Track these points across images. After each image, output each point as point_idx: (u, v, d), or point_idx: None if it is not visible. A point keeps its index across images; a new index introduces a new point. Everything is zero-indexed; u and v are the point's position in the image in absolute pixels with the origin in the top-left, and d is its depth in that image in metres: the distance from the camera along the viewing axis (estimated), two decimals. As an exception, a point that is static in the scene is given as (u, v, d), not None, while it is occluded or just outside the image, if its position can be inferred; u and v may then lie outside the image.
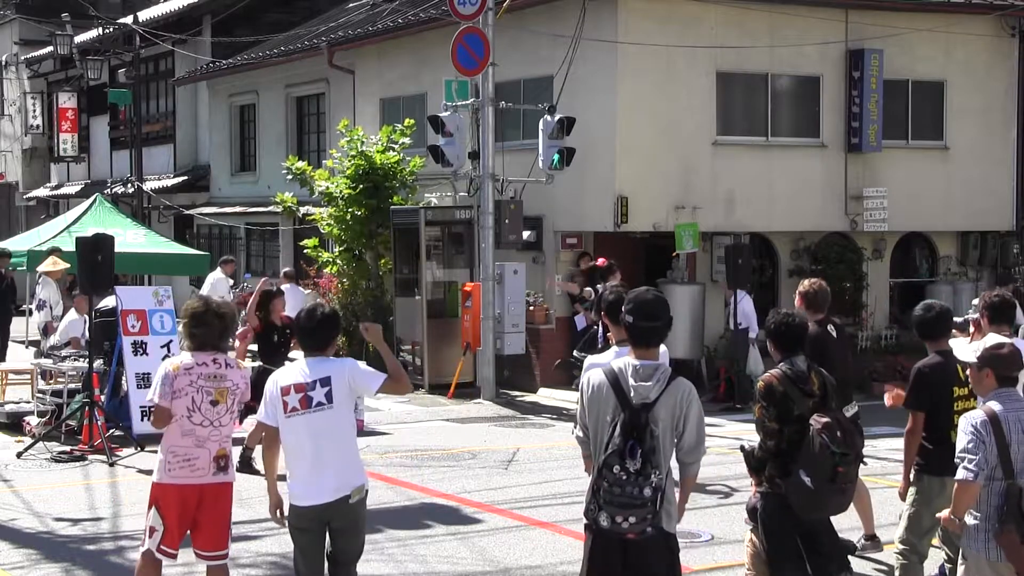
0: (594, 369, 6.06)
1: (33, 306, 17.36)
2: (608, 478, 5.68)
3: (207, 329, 7.07)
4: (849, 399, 8.69)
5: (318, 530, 6.78)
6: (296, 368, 6.84)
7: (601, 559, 5.87)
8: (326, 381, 6.69)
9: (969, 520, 6.24)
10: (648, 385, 5.78)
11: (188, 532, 7.18)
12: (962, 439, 6.21)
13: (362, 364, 7.05)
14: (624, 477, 5.66)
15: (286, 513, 6.81)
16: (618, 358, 6.19)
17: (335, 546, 6.84)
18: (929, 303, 7.90)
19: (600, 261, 17.88)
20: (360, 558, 7.00)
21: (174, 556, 7.17)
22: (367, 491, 6.85)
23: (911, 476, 7.63)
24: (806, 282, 9.09)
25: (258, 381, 13.04)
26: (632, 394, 5.77)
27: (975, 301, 9.19)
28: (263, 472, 7.33)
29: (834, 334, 8.93)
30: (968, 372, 6.63)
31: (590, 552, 5.93)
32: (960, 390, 7.46)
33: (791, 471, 6.58)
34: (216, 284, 21.84)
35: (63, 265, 17.93)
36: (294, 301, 21.55)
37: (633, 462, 5.66)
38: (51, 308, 18.85)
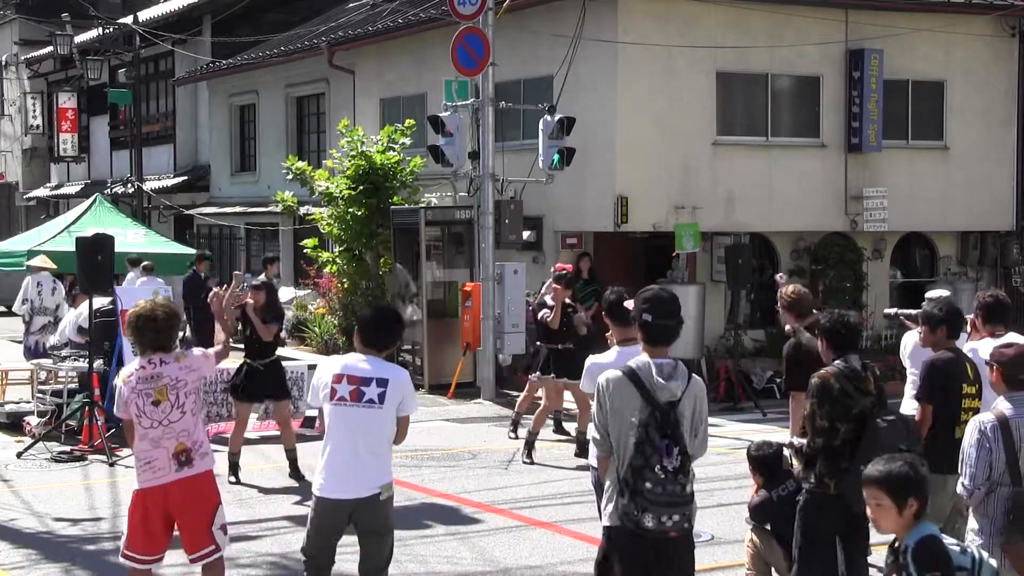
0: (611, 370, 6.00)
1: (61, 302, 17.38)
2: (650, 478, 5.67)
3: (140, 334, 7.03)
4: None
5: (342, 522, 6.74)
6: (352, 359, 6.83)
7: (633, 561, 5.82)
8: (383, 382, 6.70)
9: (973, 524, 6.14)
10: (675, 383, 5.81)
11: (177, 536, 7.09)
12: (966, 446, 6.13)
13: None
14: (664, 476, 5.67)
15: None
16: (628, 358, 6.14)
17: (364, 552, 6.79)
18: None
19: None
20: (388, 566, 6.90)
21: (135, 560, 7.03)
22: (393, 492, 6.82)
23: None
24: (787, 288, 8.80)
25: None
26: (658, 392, 5.77)
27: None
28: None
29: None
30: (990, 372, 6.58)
31: (623, 555, 5.86)
32: (969, 388, 7.44)
33: (845, 468, 6.57)
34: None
35: (50, 264, 17.95)
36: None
37: (671, 460, 5.69)
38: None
